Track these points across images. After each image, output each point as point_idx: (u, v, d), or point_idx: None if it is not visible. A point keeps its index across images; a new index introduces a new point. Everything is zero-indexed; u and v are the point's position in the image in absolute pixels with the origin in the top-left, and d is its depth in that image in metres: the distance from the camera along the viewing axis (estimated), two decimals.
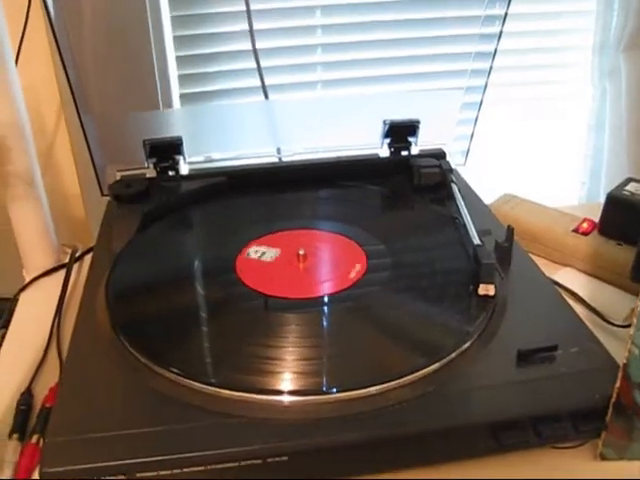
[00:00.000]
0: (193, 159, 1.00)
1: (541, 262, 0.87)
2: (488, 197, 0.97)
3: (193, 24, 1.12)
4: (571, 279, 0.84)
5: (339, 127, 1.00)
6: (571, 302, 0.78)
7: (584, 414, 0.60)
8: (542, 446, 0.61)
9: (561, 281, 0.83)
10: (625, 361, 0.56)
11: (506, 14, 0.90)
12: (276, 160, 1.02)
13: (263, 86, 1.03)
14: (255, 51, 1.00)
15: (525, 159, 1.38)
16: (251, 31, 0.99)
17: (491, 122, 1.28)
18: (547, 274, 0.81)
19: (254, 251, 0.79)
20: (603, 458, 0.61)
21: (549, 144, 1.38)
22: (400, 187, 0.94)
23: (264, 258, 0.77)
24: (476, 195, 0.93)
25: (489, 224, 0.84)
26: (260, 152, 1.01)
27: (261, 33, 1.10)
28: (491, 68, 0.95)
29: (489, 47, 0.94)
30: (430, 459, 0.60)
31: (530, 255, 0.84)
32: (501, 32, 0.92)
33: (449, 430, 0.58)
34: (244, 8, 0.99)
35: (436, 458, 0.60)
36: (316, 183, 0.97)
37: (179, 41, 1.12)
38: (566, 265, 0.88)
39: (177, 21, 1.11)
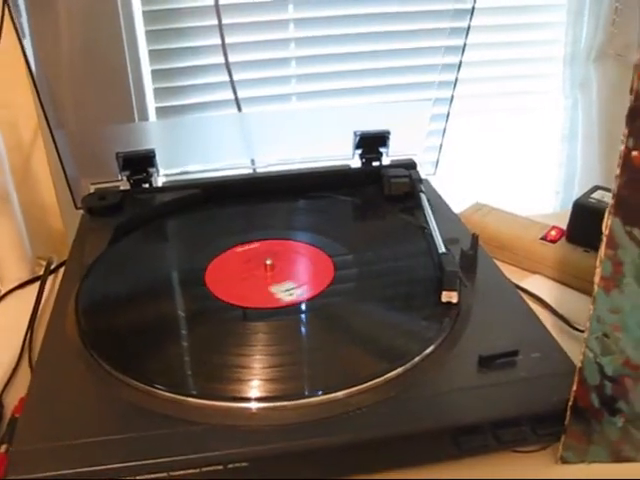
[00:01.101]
0: (168, 171, 1.00)
1: (510, 270, 0.89)
2: (463, 206, 0.98)
3: (168, 38, 1.13)
4: (539, 286, 0.85)
5: (312, 138, 1.01)
6: (538, 309, 0.79)
7: (543, 418, 0.61)
8: (502, 450, 0.62)
9: (529, 288, 0.84)
10: (581, 365, 0.56)
11: (469, 27, 0.91)
12: (250, 172, 1.02)
13: (236, 99, 1.04)
14: (227, 64, 1.01)
15: (501, 169, 1.39)
16: (223, 44, 1.00)
17: (466, 132, 1.30)
18: (516, 281, 0.82)
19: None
20: (564, 462, 0.62)
21: (524, 154, 1.40)
22: (371, 197, 0.95)
23: (233, 268, 0.77)
24: (446, 204, 0.94)
25: (458, 233, 0.85)
26: (234, 164, 1.02)
27: (236, 46, 1.12)
28: (456, 80, 0.96)
29: (455, 59, 0.95)
30: (391, 464, 0.60)
31: (500, 263, 0.85)
32: (465, 45, 0.93)
33: (410, 435, 0.59)
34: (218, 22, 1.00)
35: (397, 463, 0.60)
36: (289, 194, 0.98)
37: (154, 55, 1.13)
38: (535, 272, 0.89)
39: (152, 35, 1.11)
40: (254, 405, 0.60)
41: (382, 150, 0.99)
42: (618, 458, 0.62)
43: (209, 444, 0.56)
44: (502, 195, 1.08)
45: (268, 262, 0.77)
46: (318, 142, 1.01)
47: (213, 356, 0.66)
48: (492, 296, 0.75)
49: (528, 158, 1.40)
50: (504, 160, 1.38)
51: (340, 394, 0.61)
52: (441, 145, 1.01)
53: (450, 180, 1.15)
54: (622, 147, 0.47)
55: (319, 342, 0.69)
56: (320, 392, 0.61)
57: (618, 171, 0.48)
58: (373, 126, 0.98)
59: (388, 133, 0.97)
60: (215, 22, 1.01)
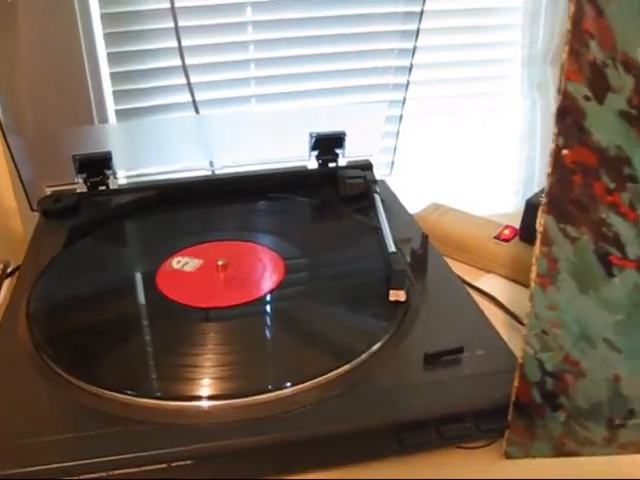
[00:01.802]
0: (127, 173, 1.00)
1: (466, 269, 0.90)
2: (424, 206, 0.99)
3: (126, 40, 1.13)
4: (493, 285, 0.86)
5: (269, 140, 1.02)
6: (492, 307, 0.80)
7: (487, 414, 0.61)
8: (445, 446, 0.62)
9: (483, 287, 0.85)
10: (521, 361, 0.57)
11: (418, 29, 0.92)
12: (209, 173, 1.02)
13: (194, 101, 1.04)
14: (184, 67, 1.01)
15: (462, 169, 1.41)
16: (180, 47, 1.01)
17: (428, 134, 1.31)
18: (470, 280, 0.83)
19: (176, 262, 0.80)
20: (508, 457, 0.63)
21: (485, 154, 1.41)
22: (327, 198, 0.96)
23: (186, 269, 0.78)
24: (401, 205, 0.94)
25: (412, 233, 0.86)
26: (193, 166, 1.02)
27: (195, 49, 1.12)
28: (408, 83, 0.97)
29: (406, 62, 0.96)
30: (336, 461, 0.61)
31: (456, 262, 0.87)
32: (415, 47, 0.94)
33: (354, 432, 0.60)
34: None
35: (342, 460, 0.61)
36: (245, 196, 0.98)
37: (113, 57, 1.13)
38: (489, 271, 0.90)
39: (110, 38, 1.11)
40: (200, 403, 0.61)
41: (338, 151, 0.99)
42: (561, 452, 0.63)
43: (153, 442, 0.56)
44: (463, 195, 1.09)
45: (220, 263, 0.77)
46: (276, 144, 1.01)
47: (161, 356, 0.67)
48: (441, 295, 0.75)
49: (489, 158, 1.42)
50: (465, 160, 1.40)
51: (286, 392, 0.62)
52: (395, 147, 1.02)
53: (413, 181, 1.16)
54: (552, 146, 0.48)
55: (267, 341, 0.70)
56: (264, 390, 0.61)
57: (549, 169, 0.49)
58: (330, 128, 0.99)
59: (344, 134, 0.97)
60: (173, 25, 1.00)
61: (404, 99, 0.97)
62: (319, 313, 0.72)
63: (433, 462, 0.62)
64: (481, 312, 0.71)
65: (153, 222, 0.92)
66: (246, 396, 0.61)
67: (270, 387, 0.61)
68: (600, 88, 0.47)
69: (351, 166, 0.99)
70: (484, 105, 1.36)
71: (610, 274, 0.54)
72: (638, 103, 0.47)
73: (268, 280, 0.77)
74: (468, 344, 0.66)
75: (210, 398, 0.61)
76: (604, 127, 0.48)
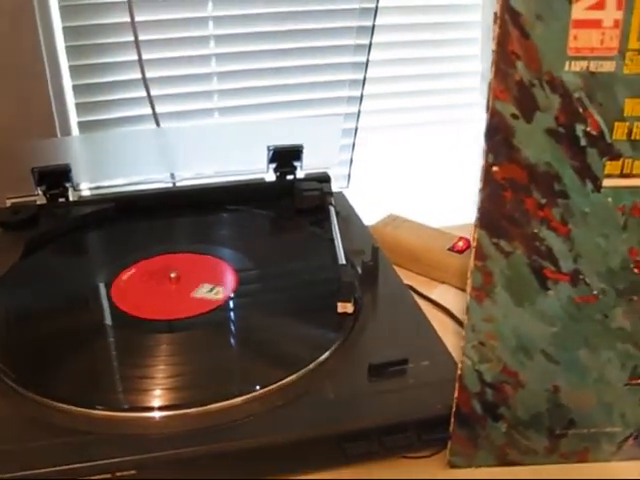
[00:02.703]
0: (89, 185, 1.01)
1: (420, 280, 0.91)
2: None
3: (88, 54, 1.14)
4: (446, 296, 0.88)
5: (229, 153, 1.03)
6: (444, 318, 0.81)
7: (429, 425, 0.63)
8: (389, 456, 0.63)
9: (437, 298, 0.87)
10: (460, 372, 0.58)
11: (370, 43, 0.93)
12: (170, 185, 1.03)
13: (154, 114, 1.05)
14: (145, 80, 1.02)
15: (421, 181, 1.42)
16: (140, 60, 1.02)
17: (388, 145, 1.32)
18: (424, 291, 0.85)
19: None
20: (452, 466, 0.64)
21: (446, 166, 1.42)
22: (284, 210, 0.96)
23: (140, 281, 0.79)
24: (358, 216, 0.96)
25: (366, 245, 0.86)
26: (153, 178, 1.03)
27: (158, 62, 1.13)
28: (362, 96, 0.98)
29: (359, 76, 0.97)
30: (280, 471, 0.62)
31: (411, 274, 0.89)
32: (367, 62, 0.95)
33: (298, 442, 0.61)
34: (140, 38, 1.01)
35: (286, 470, 0.62)
36: (204, 208, 0.99)
37: (75, 70, 1.13)
38: (443, 282, 0.91)
39: (72, 51, 1.12)
40: (148, 414, 0.62)
41: (296, 164, 0.99)
42: (505, 462, 0.64)
43: (99, 453, 0.57)
44: (422, 207, 1.10)
45: (172, 275, 0.78)
46: (235, 156, 1.02)
47: (111, 368, 0.68)
48: (390, 306, 0.77)
49: (447, 170, 1.43)
50: (425, 172, 1.41)
51: (233, 402, 0.63)
52: (351, 159, 1.02)
53: (374, 192, 1.17)
54: (483, 162, 0.49)
55: (215, 352, 0.71)
56: (211, 400, 0.63)
57: (480, 185, 0.50)
58: (288, 140, 0.99)
59: (301, 147, 0.98)
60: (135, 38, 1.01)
61: (359, 112, 0.98)
62: (268, 325, 0.73)
63: (378, 472, 0.64)
64: (428, 323, 0.72)
65: (111, 234, 0.93)
66: (193, 407, 0.62)
67: (217, 397, 0.62)
68: (528, 107, 0.48)
69: (308, 178, 1.00)
70: (445, 117, 1.38)
71: (545, 287, 0.55)
72: (565, 121, 0.49)
73: (220, 291, 0.77)
74: (413, 355, 0.67)
75: (157, 409, 0.62)
76: (533, 144, 0.49)
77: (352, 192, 1.05)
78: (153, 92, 1.12)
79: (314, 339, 0.70)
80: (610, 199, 0.52)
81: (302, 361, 0.66)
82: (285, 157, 0.99)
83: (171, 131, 1.09)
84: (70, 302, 0.78)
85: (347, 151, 1.04)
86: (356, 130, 1.01)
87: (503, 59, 0.46)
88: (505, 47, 0.46)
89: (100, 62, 1.14)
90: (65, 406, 0.62)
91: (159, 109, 1.15)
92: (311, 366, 0.66)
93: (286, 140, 0.99)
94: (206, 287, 0.79)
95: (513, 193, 0.51)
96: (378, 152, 1.27)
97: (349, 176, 1.04)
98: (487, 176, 0.50)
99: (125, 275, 0.81)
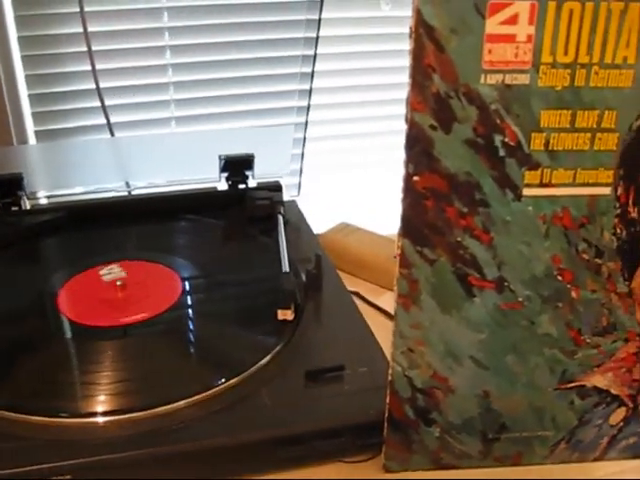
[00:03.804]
0: (46, 193, 1.01)
1: (369, 287, 0.92)
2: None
3: (44, 63, 1.14)
4: (393, 302, 0.88)
5: (183, 162, 1.03)
6: (390, 324, 0.82)
7: (364, 429, 0.64)
8: (323, 461, 0.65)
9: (383, 305, 0.88)
10: (391, 378, 0.59)
11: (315, 55, 0.94)
12: (124, 194, 1.04)
13: (108, 123, 1.06)
14: (99, 90, 1.04)
15: (376, 189, 1.42)
16: (93, 71, 1.02)
17: (344, 154, 1.33)
18: (372, 298, 0.86)
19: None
20: (387, 470, 0.65)
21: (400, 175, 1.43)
22: (235, 219, 0.97)
23: (86, 290, 0.80)
24: (308, 225, 0.96)
25: (314, 253, 0.87)
26: (108, 187, 1.03)
27: (115, 72, 1.13)
28: (309, 106, 0.99)
29: (306, 86, 0.99)
30: (219, 474, 0.63)
31: (361, 281, 0.91)
32: (313, 71, 0.97)
33: (233, 446, 0.63)
34: (97, 47, 1.03)
35: (224, 473, 0.63)
36: (156, 216, 1.00)
37: (31, 80, 1.14)
38: (391, 289, 0.92)
39: (28, 60, 1.12)
40: (87, 420, 0.63)
41: (248, 173, 1.00)
42: (440, 466, 0.65)
43: (33, 458, 0.58)
44: (377, 215, 1.11)
45: (118, 283, 0.78)
46: (189, 165, 1.03)
47: (53, 374, 0.69)
48: (332, 313, 0.78)
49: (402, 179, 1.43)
50: (379, 180, 1.42)
51: (171, 407, 0.64)
52: (301, 169, 1.04)
53: (330, 201, 1.18)
54: (404, 172, 0.50)
55: (157, 358, 0.72)
56: (150, 405, 0.64)
57: (402, 195, 0.51)
58: (241, 150, 1.00)
59: (252, 156, 0.99)
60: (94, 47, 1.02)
61: (306, 122, 1.00)
62: (210, 332, 0.75)
63: (316, 475, 0.65)
64: (369, 330, 0.73)
65: (62, 243, 0.94)
66: (133, 412, 0.63)
67: (155, 402, 0.64)
68: (445, 118, 0.49)
69: (260, 187, 1.01)
70: (395, 127, 1.39)
71: (470, 294, 0.56)
72: (483, 132, 0.50)
73: (165, 298, 0.78)
74: (351, 362, 0.69)
75: (98, 414, 0.64)
76: (452, 155, 0.51)
77: (307, 201, 1.06)
78: (111, 102, 1.14)
79: (254, 345, 0.71)
80: (531, 208, 0.53)
81: (241, 367, 0.68)
82: (237, 166, 1.00)
83: (125, 140, 1.10)
84: (15, 309, 0.79)
85: (299, 161, 1.04)
86: (304, 140, 1.02)
87: (419, 72, 0.48)
88: (421, 60, 0.47)
89: (56, 72, 1.14)
90: (5, 413, 0.63)
91: (117, 118, 1.16)
92: (249, 372, 0.67)
93: (238, 149, 1.00)
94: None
95: (434, 202, 0.52)
96: (332, 161, 1.28)
97: (299, 185, 1.05)
98: (408, 186, 0.51)
99: (72, 283, 0.82)
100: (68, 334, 0.74)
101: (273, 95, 1.20)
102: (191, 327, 0.75)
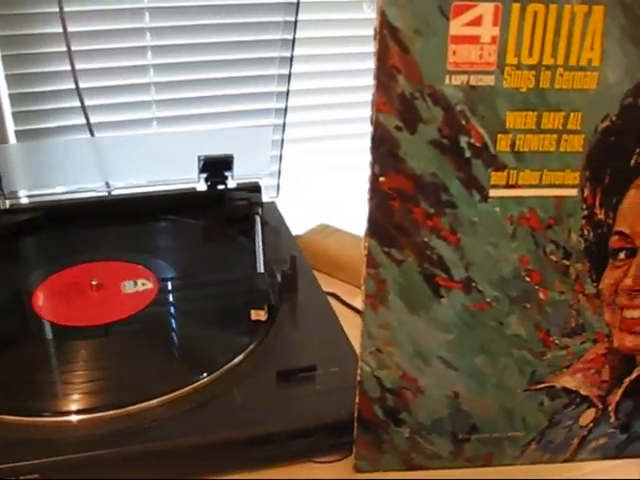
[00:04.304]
0: (27, 193, 1.01)
1: (347, 288, 0.93)
2: None
3: (25, 63, 1.13)
4: None
5: (163, 162, 1.03)
6: None
7: (334, 429, 0.64)
8: (294, 460, 0.65)
9: (359, 305, 0.87)
10: (359, 378, 0.59)
11: (292, 56, 0.95)
12: (105, 194, 1.04)
13: (88, 123, 1.06)
14: (78, 90, 1.03)
15: (356, 190, 1.42)
16: (73, 71, 1.02)
17: (326, 155, 1.34)
18: (349, 299, 0.86)
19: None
20: (358, 470, 0.65)
21: None
22: (214, 219, 0.97)
23: (62, 289, 0.80)
24: (286, 226, 0.97)
25: (292, 254, 0.87)
26: (88, 187, 1.03)
27: (97, 72, 1.14)
28: (286, 108, 0.99)
29: (283, 88, 0.99)
30: (191, 473, 0.63)
31: (339, 282, 0.92)
32: (290, 74, 0.97)
33: (207, 445, 0.63)
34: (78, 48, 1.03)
35: (197, 472, 0.64)
36: (136, 217, 1.00)
37: (11, 79, 1.13)
38: None
39: (8, 60, 1.12)
40: (55, 419, 0.63)
41: (227, 174, 1.00)
42: (410, 466, 0.66)
43: (1, 457, 0.58)
44: (359, 216, 1.11)
45: (94, 283, 0.79)
46: (168, 166, 1.03)
47: (24, 373, 0.69)
48: (307, 314, 0.78)
49: None
50: (364, 182, 1.41)
51: (142, 406, 0.65)
52: (279, 170, 1.04)
53: (309, 203, 1.19)
54: (370, 173, 0.51)
55: (131, 357, 0.72)
56: (122, 404, 0.64)
57: (368, 196, 0.52)
58: (221, 150, 1.00)
59: (231, 157, 0.99)
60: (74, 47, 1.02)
61: (284, 124, 1.00)
62: (183, 331, 0.75)
63: (286, 476, 0.65)
64: (342, 331, 0.73)
65: (40, 242, 0.94)
66: (105, 410, 0.64)
67: (127, 401, 0.64)
68: (411, 119, 0.50)
69: (239, 188, 1.01)
70: None
71: (438, 295, 0.56)
72: (449, 133, 0.50)
73: (140, 299, 0.78)
74: (324, 362, 0.69)
75: (68, 413, 0.64)
76: (418, 155, 0.51)
77: (287, 203, 1.07)
78: (94, 102, 1.15)
79: (227, 345, 0.72)
80: (497, 209, 0.53)
81: (213, 366, 0.68)
82: (216, 167, 1.00)
83: (105, 141, 1.10)
84: None
85: (277, 162, 1.05)
86: (282, 142, 1.02)
87: (384, 73, 0.48)
88: (385, 61, 0.48)
89: (37, 72, 1.13)
90: None
91: (100, 119, 1.16)
92: (221, 371, 0.68)
93: (218, 150, 1.00)
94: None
95: (401, 203, 0.52)
96: (313, 163, 1.28)
97: (278, 186, 1.05)
98: (374, 186, 0.51)
99: (48, 283, 0.82)
100: (42, 333, 0.74)
101: (253, 96, 1.20)
102: (165, 327, 0.75)
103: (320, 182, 1.32)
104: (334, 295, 0.87)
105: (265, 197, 1.01)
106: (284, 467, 0.65)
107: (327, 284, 0.89)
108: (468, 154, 0.51)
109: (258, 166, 1.02)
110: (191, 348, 0.73)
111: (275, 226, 0.95)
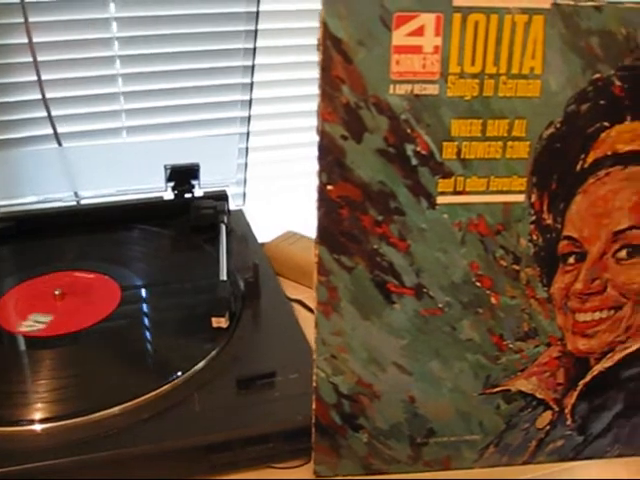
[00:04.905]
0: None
1: (312, 294, 0.92)
2: None
3: None
4: None
5: (131, 172, 1.04)
6: None
7: (292, 435, 0.64)
8: (254, 466, 0.65)
9: None
10: (315, 384, 0.60)
11: (253, 65, 0.95)
12: (72, 204, 1.04)
13: (55, 133, 1.06)
14: (45, 100, 1.03)
15: None
16: (39, 81, 1.02)
17: (295, 164, 1.34)
18: (313, 305, 0.86)
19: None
20: (318, 476, 0.65)
21: None
22: (180, 228, 0.98)
23: (25, 299, 0.80)
24: (252, 234, 0.97)
25: (258, 261, 0.88)
26: (57, 197, 1.04)
27: (64, 82, 1.14)
28: (250, 117, 1.00)
29: (246, 97, 0.99)
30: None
31: (305, 288, 0.93)
32: (252, 83, 0.97)
33: (166, 452, 0.64)
34: (44, 58, 1.05)
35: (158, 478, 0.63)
36: (103, 226, 1.01)
37: None
38: None
39: None
40: (13, 429, 0.64)
41: (194, 182, 1.00)
42: (370, 471, 0.66)
43: None
44: None
45: (57, 292, 0.79)
46: (136, 175, 1.03)
47: None
48: (269, 321, 0.79)
49: None
50: None
51: (100, 415, 0.65)
52: (245, 179, 1.04)
53: (278, 211, 1.19)
54: (317, 181, 0.51)
55: (90, 367, 0.73)
56: (75, 415, 0.65)
57: (317, 204, 0.52)
58: (188, 159, 1.01)
59: (197, 166, 0.99)
60: (41, 58, 1.02)
61: (248, 132, 1.01)
62: (144, 340, 0.76)
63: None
64: (304, 337, 0.74)
65: (7, 252, 0.94)
66: (64, 419, 0.64)
67: (87, 410, 0.65)
68: (356, 128, 0.50)
69: (206, 197, 1.01)
70: None
71: (390, 301, 0.57)
72: (394, 142, 0.51)
73: (103, 308, 0.79)
74: (284, 368, 0.70)
75: (27, 422, 0.65)
76: (365, 164, 0.51)
77: (256, 211, 1.07)
78: (63, 112, 1.16)
79: (188, 353, 0.72)
80: (446, 215, 0.54)
81: (173, 374, 0.69)
82: (183, 176, 1.01)
83: (73, 150, 1.10)
84: None
85: (243, 170, 1.05)
86: (247, 150, 1.03)
87: (328, 83, 0.48)
88: (329, 72, 0.48)
89: (3, 82, 1.13)
90: None
91: (69, 129, 1.17)
92: (182, 378, 0.68)
93: (186, 159, 1.01)
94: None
95: (349, 211, 0.52)
96: (280, 171, 1.28)
97: (244, 195, 1.06)
98: (322, 195, 0.52)
99: (13, 292, 0.83)
100: (3, 343, 0.72)
101: (219, 105, 1.21)
102: (127, 336, 0.75)
103: (288, 190, 1.33)
104: (300, 302, 0.88)
105: (232, 205, 1.00)
106: (244, 473, 0.65)
107: (293, 291, 0.90)
108: (414, 162, 0.52)
109: (225, 174, 1.02)
110: (153, 356, 0.73)
111: (242, 234, 0.96)
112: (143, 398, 0.66)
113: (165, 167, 0.99)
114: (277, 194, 1.26)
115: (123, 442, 0.62)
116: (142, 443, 0.62)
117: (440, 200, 0.54)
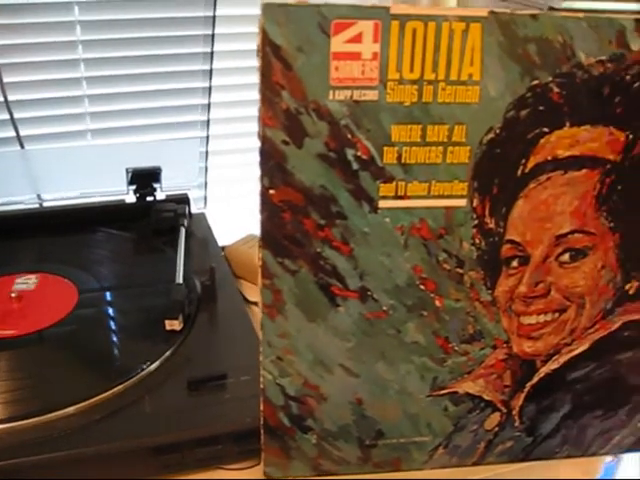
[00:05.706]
0: None
1: None
2: None
3: None
4: None
5: (93, 174, 1.04)
6: None
7: (241, 437, 0.65)
8: (202, 468, 0.66)
9: None
10: (262, 386, 0.61)
11: (211, 69, 0.96)
12: (35, 207, 1.04)
13: (18, 136, 1.06)
14: (7, 102, 1.03)
15: None
16: (1, 82, 1.02)
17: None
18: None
19: None
20: (268, 477, 0.66)
21: None
22: (141, 231, 0.98)
23: None
24: (213, 237, 0.98)
25: (217, 264, 0.89)
26: (19, 199, 1.04)
27: (25, 85, 1.14)
28: (209, 121, 1.01)
29: (205, 100, 1.00)
30: None
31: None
32: (210, 87, 0.98)
33: (115, 453, 0.64)
34: (6, 61, 1.07)
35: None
36: (65, 229, 1.01)
37: None
38: None
39: None
40: None
41: (156, 186, 1.01)
42: (320, 472, 0.66)
43: None
44: None
45: (13, 295, 0.79)
46: (99, 178, 1.03)
47: None
48: (224, 323, 0.79)
49: None
50: None
51: (50, 416, 0.66)
52: (206, 182, 1.05)
53: (241, 213, 1.20)
54: (260, 186, 0.52)
55: (43, 368, 0.73)
56: (28, 415, 0.66)
57: (260, 208, 0.53)
58: (150, 162, 1.01)
59: (159, 169, 1.00)
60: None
61: (207, 136, 1.01)
62: (101, 342, 0.76)
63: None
64: (258, 339, 0.74)
65: None
66: (15, 421, 0.65)
67: (38, 411, 0.65)
68: (297, 133, 0.51)
69: (167, 200, 1.02)
70: None
71: (334, 304, 0.58)
72: (335, 147, 0.52)
73: (59, 310, 0.80)
74: (236, 370, 0.70)
75: None
76: (306, 169, 0.52)
77: (219, 214, 1.07)
78: (27, 114, 1.16)
79: (141, 355, 0.72)
80: (388, 219, 0.55)
81: (125, 375, 0.69)
82: (144, 179, 1.01)
83: (36, 153, 1.10)
84: None
85: (204, 174, 1.06)
86: (207, 154, 1.03)
87: (268, 89, 0.49)
88: (269, 78, 0.49)
89: None
90: None
91: (31, 131, 1.17)
92: (134, 380, 0.69)
93: (148, 162, 1.01)
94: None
95: (292, 215, 0.53)
96: (243, 174, 1.29)
97: (205, 198, 1.07)
98: (264, 199, 0.52)
99: None
100: None
101: (180, 109, 1.21)
102: (82, 338, 0.75)
103: (250, 193, 1.33)
104: (257, 304, 0.88)
105: (194, 209, 1.01)
106: (194, 474, 0.66)
107: (254, 293, 0.89)
108: (355, 167, 0.52)
109: (187, 177, 1.03)
110: (106, 357, 0.73)
111: (202, 237, 0.96)
112: (95, 399, 0.67)
113: (127, 170, 0.99)
114: (239, 197, 1.26)
115: (75, 443, 0.63)
116: (94, 444, 0.63)
117: (382, 204, 0.54)
